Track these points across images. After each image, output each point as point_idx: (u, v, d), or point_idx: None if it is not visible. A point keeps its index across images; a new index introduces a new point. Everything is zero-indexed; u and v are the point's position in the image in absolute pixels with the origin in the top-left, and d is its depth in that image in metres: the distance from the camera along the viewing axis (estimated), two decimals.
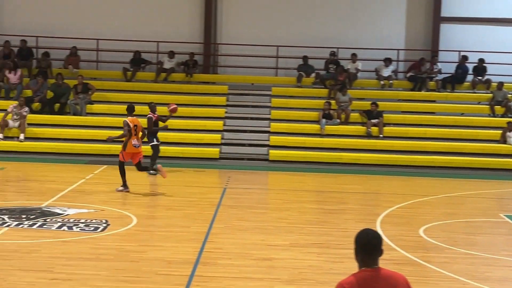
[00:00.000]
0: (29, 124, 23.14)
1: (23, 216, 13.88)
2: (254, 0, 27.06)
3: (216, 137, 23.66)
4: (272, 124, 24.44)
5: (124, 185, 16.97)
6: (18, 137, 22.81)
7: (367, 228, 5.08)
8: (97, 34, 26.45)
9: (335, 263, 11.28)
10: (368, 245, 4.96)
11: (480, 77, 26.37)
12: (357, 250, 5.01)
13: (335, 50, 26.71)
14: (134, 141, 16.81)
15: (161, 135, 20.33)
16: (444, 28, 26.95)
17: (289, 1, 26.98)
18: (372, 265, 4.96)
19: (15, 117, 22.90)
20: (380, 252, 4.99)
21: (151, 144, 19.57)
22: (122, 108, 24.01)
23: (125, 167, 16.88)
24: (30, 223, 13.33)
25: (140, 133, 17.36)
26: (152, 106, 19.76)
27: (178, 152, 22.67)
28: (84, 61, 26.77)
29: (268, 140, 23.72)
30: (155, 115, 19.66)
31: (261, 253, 11.75)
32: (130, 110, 17.45)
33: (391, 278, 4.98)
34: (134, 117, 17.27)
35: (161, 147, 20.08)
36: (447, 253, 12.12)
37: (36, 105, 24.17)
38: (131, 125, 16.79)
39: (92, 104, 24.62)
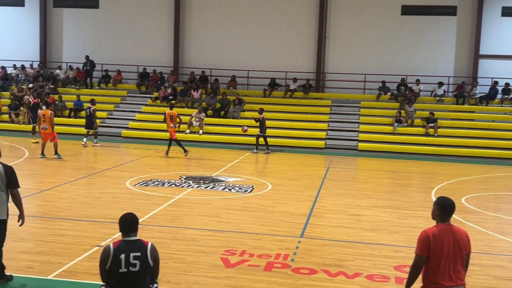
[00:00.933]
0: (205, 124, 23.85)
1: (201, 181, 14.47)
2: (349, 42, 26.84)
3: (322, 134, 23.77)
4: (360, 126, 24.28)
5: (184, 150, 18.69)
6: (198, 132, 23.57)
7: (444, 196, 5.11)
8: (247, 67, 27.01)
9: (402, 219, 11.34)
10: (445, 207, 4.98)
11: (506, 96, 25.24)
12: (436, 211, 4.99)
13: (404, 77, 26.18)
14: (172, 125, 18.67)
15: (285, 132, 20.59)
16: (482, 61, 25.92)
17: (372, 42, 26.64)
18: (446, 222, 4.98)
19: (196, 119, 23.67)
20: (452, 212, 4.98)
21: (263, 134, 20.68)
22: (264, 115, 24.54)
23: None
24: (205, 186, 13.89)
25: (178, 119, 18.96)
26: (260, 110, 21.21)
27: (297, 143, 22.92)
28: (239, 84, 27.38)
29: (357, 137, 23.58)
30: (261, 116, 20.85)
31: (352, 210, 11.90)
32: (170, 107, 19.55)
33: (458, 232, 4.98)
34: (172, 111, 19.05)
35: (286, 140, 20.40)
36: (481, 216, 11.95)
37: (209, 112, 24.93)
38: (167, 115, 18.72)
39: (244, 112, 25.15)
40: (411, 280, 5.00)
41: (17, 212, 7.38)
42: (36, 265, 7.83)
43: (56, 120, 24.71)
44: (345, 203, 12.54)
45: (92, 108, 20.72)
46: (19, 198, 7.15)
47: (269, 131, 23.61)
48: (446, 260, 4.85)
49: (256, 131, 20.96)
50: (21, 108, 25.03)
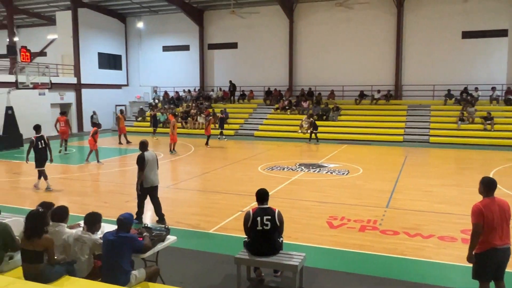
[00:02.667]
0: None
1: (310, 167, 14.38)
2: (420, 60, 25.10)
3: (401, 131, 22.49)
4: (431, 124, 22.65)
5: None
6: (307, 131, 23.33)
7: (487, 176, 4.80)
8: (342, 82, 26.36)
9: (465, 195, 10.50)
10: (488, 185, 4.67)
11: None
12: (481, 187, 4.69)
13: (466, 85, 23.98)
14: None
15: (371, 130, 19.74)
16: None
17: (439, 59, 24.69)
18: (490, 196, 4.65)
19: (306, 123, 23.29)
20: (495, 188, 4.68)
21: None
22: (356, 118, 23.74)
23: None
24: (313, 170, 13.80)
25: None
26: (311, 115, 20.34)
27: (381, 138, 21.93)
28: (337, 96, 26.75)
29: (428, 132, 22.02)
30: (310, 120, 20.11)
31: (425, 188, 11.24)
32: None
33: (501, 202, 4.68)
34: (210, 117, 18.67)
35: (372, 136, 19.62)
36: None
37: (315, 117, 24.42)
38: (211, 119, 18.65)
39: (340, 115, 24.54)
40: (473, 243, 4.65)
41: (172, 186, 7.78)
42: (202, 223, 8.30)
43: (211, 126, 25.92)
44: (420, 182, 11.86)
45: (221, 115, 22.11)
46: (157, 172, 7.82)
47: (358, 130, 22.98)
48: (495, 224, 4.56)
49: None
50: (188, 118, 26.54)
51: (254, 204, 5.63)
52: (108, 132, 26.01)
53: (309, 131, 23.17)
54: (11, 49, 24.32)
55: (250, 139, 23.40)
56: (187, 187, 11.43)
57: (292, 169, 13.83)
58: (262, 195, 5.48)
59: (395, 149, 19.67)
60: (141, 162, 7.61)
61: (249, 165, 14.87)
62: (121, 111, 21.38)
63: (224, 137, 22.40)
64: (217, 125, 22.75)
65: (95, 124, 16.07)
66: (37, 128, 10.69)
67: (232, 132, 24.87)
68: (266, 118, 26.00)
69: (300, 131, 23.31)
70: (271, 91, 27.79)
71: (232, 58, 29.23)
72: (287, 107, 26.05)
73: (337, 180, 12.21)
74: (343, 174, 13.11)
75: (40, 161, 10.73)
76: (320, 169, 13.91)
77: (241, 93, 28.67)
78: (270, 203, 5.65)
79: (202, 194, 10.84)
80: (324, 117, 24.58)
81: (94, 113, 25.14)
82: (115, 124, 18.23)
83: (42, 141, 10.66)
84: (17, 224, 5.10)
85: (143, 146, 7.93)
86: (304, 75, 27.56)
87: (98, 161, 14.98)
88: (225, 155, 18.13)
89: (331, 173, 13.25)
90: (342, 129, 23.19)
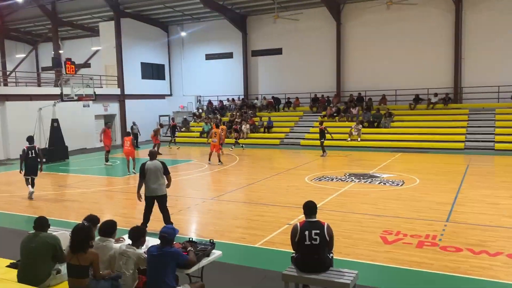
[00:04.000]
0: (362, 133, 23.16)
1: (361, 177, 14.12)
2: (481, 61, 23.97)
3: (462, 137, 21.52)
4: (496, 129, 21.50)
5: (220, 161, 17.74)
6: (357, 139, 22.96)
7: None
8: (395, 86, 25.70)
9: None
10: None
11: None
12: None
13: None
14: (213, 140, 17.64)
15: (428, 137, 19.02)
16: None
17: (503, 59, 23.41)
18: None
19: (355, 130, 23.06)
20: None
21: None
22: (409, 124, 23.10)
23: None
24: (365, 181, 13.55)
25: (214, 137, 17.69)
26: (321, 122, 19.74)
27: (440, 145, 21.09)
28: (389, 100, 26.14)
29: (493, 138, 20.89)
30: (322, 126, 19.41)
31: (491, 200, 10.66)
32: (216, 126, 18.61)
33: None
34: (217, 129, 17.93)
35: (429, 143, 18.91)
36: None
37: (365, 124, 24.18)
38: (212, 132, 17.82)
39: (393, 122, 23.93)
40: None
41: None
42: (247, 236, 8.34)
43: (254, 135, 26.15)
44: (484, 194, 11.27)
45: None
46: (170, 180, 8.27)
47: (414, 137, 22.27)
48: None
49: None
50: (233, 127, 26.87)
51: (302, 217, 5.56)
52: (149, 143, 26.93)
53: (359, 139, 22.76)
54: (56, 62, 25.83)
55: (296, 147, 23.35)
56: (232, 199, 11.56)
57: (341, 180, 13.67)
58: (310, 208, 5.42)
59: (456, 157, 18.83)
60: (141, 171, 8.24)
61: (296, 176, 14.86)
62: (106, 124, 19.43)
63: (176, 145, 23.35)
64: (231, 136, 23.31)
65: (131, 134, 16.89)
66: (30, 139, 11.89)
67: (277, 142, 24.92)
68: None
69: (349, 139, 22.98)
70: (317, 97, 27.63)
71: (276, 64, 29.40)
72: (335, 114, 25.76)
73: (391, 192, 11.95)
74: (398, 185, 12.78)
75: (29, 169, 11.78)
76: (372, 179, 13.66)
77: (287, 100, 28.72)
78: (319, 216, 5.57)
79: (247, 206, 10.92)
80: (376, 123, 24.07)
81: (134, 123, 26.07)
82: (100, 135, 18.05)
83: (33, 151, 11.74)
84: (63, 238, 5.30)
85: (150, 155, 8.36)
86: (353, 79, 27.17)
87: (134, 171, 15.66)
88: (271, 165, 18.18)
89: (384, 183, 12.97)
90: (396, 136, 22.59)
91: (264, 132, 26.43)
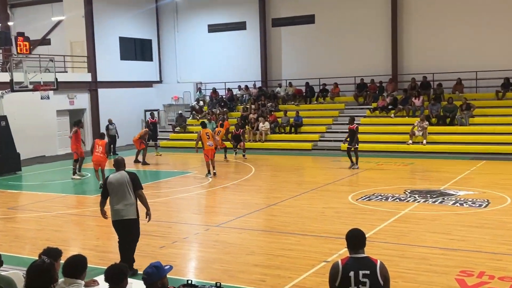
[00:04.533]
0: (429, 133, 23.05)
1: (428, 195, 14.03)
2: None
3: None
4: None
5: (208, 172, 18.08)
6: (422, 142, 22.87)
7: None
8: (475, 67, 25.40)
9: None
10: None
11: None
12: None
13: None
14: (209, 142, 17.97)
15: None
16: None
17: None
18: None
19: (419, 128, 23.00)
20: None
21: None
22: (496, 120, 22.86)
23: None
24: (433, 200, 13.45)
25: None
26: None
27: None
28: (466, 87, 25.87)
29: None
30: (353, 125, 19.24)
31: None
32: (221, 126, 19.55)
33: None
34: (208, 129, 18.57)
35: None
36: None
37: (433, 120, 23.99)
38: (202, 133, 18.21)
39: (473, 117, 23.66)
40: None
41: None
42: (267, 278, 8.32)
43: (276, 136, 26.18)
44: None
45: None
46: (144, 198, 8.31)
47: (503, 138, 21.94)
48: None
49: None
50: (246, 127, 26.95)
51: (345, 251, 5.53)
52: (131, 148, 27.18)
53: (425, 141, 22.58)
54: (4, 37, 26.16)
55: (335, 154, 23.30)
56: (246, 226, 11.60)
57: (400, 199, 13.62)
58: (356, 239, 5.38)
59: None
60: (103, 187, 8.43)
61: (335, 193, 14.81)
62: (77, 123, 19.40)
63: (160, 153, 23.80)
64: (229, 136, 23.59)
65: (105, 136, 17.14)
66: None
67: (308, 146, 24.93)
68: (358, 124, 25.72)
69: (410, 141, 22.87)
70: (365, 83, 27.55)
71: (307, 38, 29.42)
72: (389, 106, 25.65)
73: (472, 216, 11.80)
74: (481, 206, 12.65)
75: None
76: (443, 198, 13.56)
77: (321, 88, 28.70)
78: (368, 251, 5.53)
79: (268, 236, 10.90)
80: (448, 119, 23.87)
81: (110, 122, 26.38)
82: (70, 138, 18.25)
83: None
84: (15, 280, 5.43)
85: (116, 165, 8.43)
86: (415, 58, 26.98)
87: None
88: (300, 178, 18.14)
89: (462, 204, 12.87)
90: (477, 137, 22.36)
91: (290, 132, 26.45)
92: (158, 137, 26.07)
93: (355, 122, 19.65)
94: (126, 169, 8.62)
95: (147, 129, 22.63)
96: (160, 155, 24.46)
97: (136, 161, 21.77)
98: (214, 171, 18.19)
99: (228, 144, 23.19)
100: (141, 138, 21.59)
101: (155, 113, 27.12)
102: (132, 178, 8.29)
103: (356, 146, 19.08)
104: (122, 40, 31.02)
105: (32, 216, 13.31)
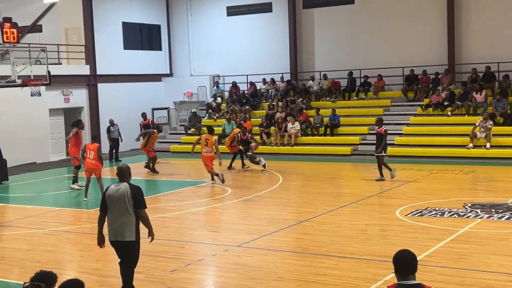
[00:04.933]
0: (493, 135, 22.78)
1: (493, 210, 13.84)
2: None
3: None
4: None
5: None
6: (485, 146, 22.60)
7: None
8: None
9: None
10: None
11: None
12: None
13: None
14: (205, 149, 18.74)
15: None
16: None
17: None
18: None
19: (481, 129, 22.74)
20: None
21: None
22: None
23: None
24: (499, 216, 13.28)
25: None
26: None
27: None
28: None
29: None
30: None
31: None
32: (209, 131, 19.55)
33: None
34: (208, 135, 19.16)
35: None
36: None
37: (498, 119, 23.61)
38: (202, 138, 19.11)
39: None
40: None
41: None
42: None
43: (308, 139, 26.11)
44: None
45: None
46: (145, 219, 8.32)
47: None
48: None
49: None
50: (272, 128, 26.93)
51: (392, 277, 5.50)
52: (138, 153, 27.34)
53: (488, 144, 22.31)
54: None
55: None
56: (273, 246, 11.57)
57: (458, 214, 13.49)
58: (405, 262, 5.34)
59: None
60: (102, 200, 8.44)
61: (380, 207, 14.77)
62: (76, 123, 19.64)
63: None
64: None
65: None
66: None
67: (347, 150, 24.85)
68: (408, 124, 25.56)
69: (471, 145, 22.64)
70: (416, 75, 27.38)
71: (345, 20, 29.32)
72: (445, 103, 25.43)
73: None
74: None
75: None
76: None
77: (363, 81, 28.60)
78: (420, 277, 5.49)
79: (299, 258, 10.86)
80: None
81: (112, 123, 26.27)
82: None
83: None
84: None
85: (119, 173, 8.40)
86: (476, 45, 26.65)
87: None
88: (338, 189, 18.05)
89: None
90: None
91: (325, 134, 26.35)
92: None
93: (383, 124, 19.11)
94: (133, 177, 8.65)
95: (155, 131, 22.51)
96: (157, 161, 23.35)
97: (148, 166, 21.72)
98: (216, 179, 18.68)
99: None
100: (148, 141, 21.52)
101: (147, 113, 26.31)
102: (134, 194, 8.21)
103: (384, 153, 18.72)
104: (126, 26, 31.28)
105: (21, 234, 13.43)
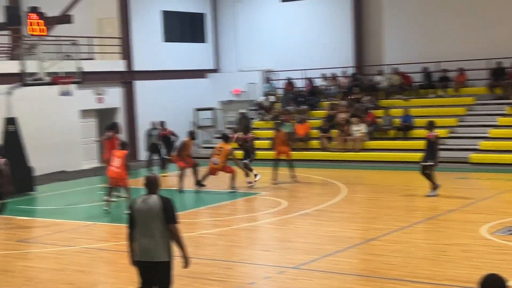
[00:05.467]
0: None
1: None
2: None
3: None
4: None
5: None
6: None
7: None
8: None
9: None
10: None
11: None
12: None
13: None
14: (213, 159, 19.75)
15: None
16: None
17: None
18: None
19: None
20: None
21: None
22: None
23: None
24: None
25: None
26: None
27: None
28: None
29: None
30: None
31: None
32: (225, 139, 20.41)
33: None
34: (223, 143, 20.12)
35: None
36: None
37: None
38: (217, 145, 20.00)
39: None
40: None
41: None
42: None
43: (377, 143, 25.93)
44: None
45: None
46: (177, 235, 8.14)
47: None
48: None
49: None
50: (332, 131, 26.81)
51: None
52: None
53: None
54: (12, 14, 27.00)
55: (461, 168, 22.93)
56: (335, 268, 11.51)
57: None
58: None
59: None
60: (129, 214, 8.31)
61: (462, 224, 14.54)
62: (111, 126, 20.34)
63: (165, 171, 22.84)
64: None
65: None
66: None
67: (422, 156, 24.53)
68: (495, 126, 25.27)
69: None
70: (503, 68, 26.99)
71: (420, 4, 29.18)
72: None
73: None
74: None
75: None
76: None
77: (441, 75, 28.32)
78: None
79: (366, 282, 10.78)
80: None
81: (155, 126, 25.68)
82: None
83: None
84: None
85: (148, 184, 8.27)
86: None
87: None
88: (410, 202, 17.84)
89: None
90: None
91: (396, 138, 26.09)
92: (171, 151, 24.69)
93: (434, 129, 18.43)
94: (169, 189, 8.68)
95: (188, 140, 21.20)
96: (166, 175, 23.52)
97: (199, 183, 20.80)
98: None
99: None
100: (183, 149, 20.82)
101: (162, 122, 25.55)
102: (165, 207, 8.20)
103: (432, 163, 17.84)
104: (166, 15, 31.64)
105: (49, 252, 13.66)
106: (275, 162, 21.46)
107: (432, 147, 17.80)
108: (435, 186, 17.96)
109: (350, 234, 14.27)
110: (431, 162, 17.77)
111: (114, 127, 19.73)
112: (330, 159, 25.60)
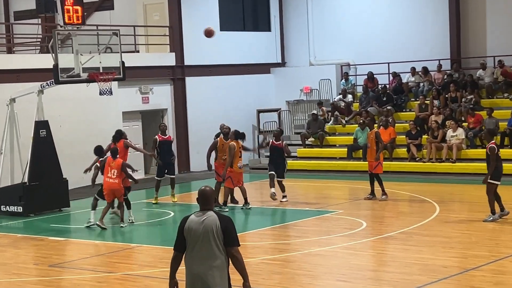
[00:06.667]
0: None
1: None
2: None
3: None
4: None
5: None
6: None
7: None
8: None
9: None
10: None
11: None
12: None
13: None
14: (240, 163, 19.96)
15: None
16: None
17: None
18: None
19: None
20: None
21: None
22: None
23: None
24: None
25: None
26: None
27: None
28: None
29: None
30: None
31: None
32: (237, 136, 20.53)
33: None
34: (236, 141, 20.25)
35: None
36: None
37: None
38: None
39: None
40: None
41: None
42: None
43: (478, 152, 25.55)
44: None
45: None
46: (240, 260, 7.95)
47: None
48: None
49: None
50: (424, 136, 26.51)
51: None
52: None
53: None
54: (45, 1, 27.16)
55: None
56: None
57: None
58: None
59: None
60: (178, 234, 8.20)
61: None
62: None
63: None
64: None
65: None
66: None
67: None
68: None
69: None
70: None
71: None
72: None
73: None
74: None
75: None
76: None
77: None
78: None
79: None
80: None
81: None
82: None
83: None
84: None
85: (201, 198, 8.11)
86: None
87: None
88: None
89: None
90: None
91: (502, 145, 25.69)
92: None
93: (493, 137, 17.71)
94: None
95: (236, 143, 20.29)
96: (175, 201, 22.90)
97: (234, 200, 20.82)
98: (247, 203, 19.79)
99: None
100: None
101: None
102: (225, 227, 8.16)
103: (493, 180, 17.24)
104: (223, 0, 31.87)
105: (86, 278, 13.83)
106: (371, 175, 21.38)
107: (489, 160, 17.30)
108: (494, 212, 17.50)
109: (444, 263, 14.03)
110: (492, 179, 17.31)
111: (161, 126, 20.25)
112: (419, 171, 25.41)
